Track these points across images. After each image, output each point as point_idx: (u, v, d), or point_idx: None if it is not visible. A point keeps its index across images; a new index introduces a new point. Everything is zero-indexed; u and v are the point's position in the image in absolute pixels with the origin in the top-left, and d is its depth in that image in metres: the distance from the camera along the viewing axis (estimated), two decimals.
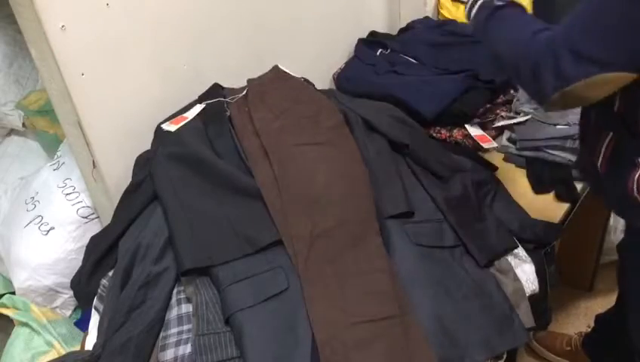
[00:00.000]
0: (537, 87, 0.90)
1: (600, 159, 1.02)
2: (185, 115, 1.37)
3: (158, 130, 1.35)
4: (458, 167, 1.33)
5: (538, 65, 0.88)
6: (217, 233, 1.12)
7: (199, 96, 1.44)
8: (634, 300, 1.21)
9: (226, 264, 1.08)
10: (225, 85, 1.48)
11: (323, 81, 1.75)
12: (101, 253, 1.22)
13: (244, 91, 1.40)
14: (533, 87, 0.91)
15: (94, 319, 1.16)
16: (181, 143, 1.26)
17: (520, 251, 1.19)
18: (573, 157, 1.36)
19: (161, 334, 1.05)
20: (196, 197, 1.18)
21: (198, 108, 1.38)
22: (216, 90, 1.46)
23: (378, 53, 1.76)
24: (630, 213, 1.04)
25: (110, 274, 1.18)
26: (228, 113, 1.36)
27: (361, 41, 1.84)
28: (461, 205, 1.22)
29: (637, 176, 0.95)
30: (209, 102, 1.40)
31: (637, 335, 1.23)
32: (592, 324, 1.61)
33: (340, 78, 1.76)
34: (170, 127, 1.32)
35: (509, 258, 1.18)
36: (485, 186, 1.32)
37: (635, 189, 0.95)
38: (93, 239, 1.29)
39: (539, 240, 1.24)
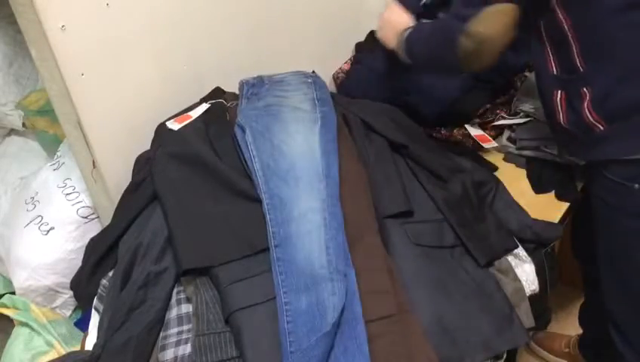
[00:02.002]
0: (450, 43, 1.10)
1: (561, 115, 1.11)
2: (189, 113, 1.37)
3: (160, 129, 1.35)
4: (458, 167, 1.34)
5: (448, 26, 1.13)
6: (217, 234, 1.12)
7: (201, 100, 1.44)
8: (609, 259, 1.21)
9: (225, 264, 1.08)
10: (225, 86, 1.48)
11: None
12: (101, 254, 1.22)
13: None
14: (450, 46, 1.10)
15: (94, 319, 1.16)
16: (182, 143, 1.26)
17: (520, 251, 1.19)
18: (574, 159, 1.36)
19: (161, 334, 1.05)
20: (196, 198, 1.17)
21: (204, 107, 1.39)
22: (217, 94, 1.46)
23: (378, 54, 1.75)
24: (597, 148, 1.09)
25: (110, 274, 1.18)
26: (228, 118, 1.36)
27: (359, 44, 1.84)
28: (461, 205, 1.22)
29: (586, 103, 1.05)
30: (213, 101, 1.40)
31: (609, 297, 1.23)
32: None
33: (344, 85, 1.76)
34: (174, 125, 1.33)
35: (509, 258, 1.18)
36: (485, 186, 1.32)
37: (588, 115, 1.05)
38: (93, 240, 1.29)
39: (539, 240, 1.24)
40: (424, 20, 1.28)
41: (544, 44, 1.11)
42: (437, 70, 1.41)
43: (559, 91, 1.10)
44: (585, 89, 1.05)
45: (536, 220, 1.27)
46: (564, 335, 1.74)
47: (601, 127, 1.06)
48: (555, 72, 1.10)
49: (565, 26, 1.05)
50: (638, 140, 1.04)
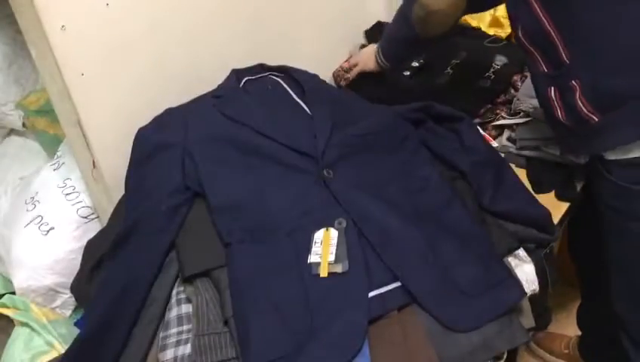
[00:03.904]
0: (406, 16, 1.32)
1: (558, 110, 1.12)
2: None
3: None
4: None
5: (403, 6, 1.36)
6: (216, 237, 1.12)
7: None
8: (620, 265, 1.20)
9: (225, 267, 1.08)
10: None
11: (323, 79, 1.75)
12: (99, 257, 1.21)
13: None
14: (406, 19, 1.32)
15: None
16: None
17: (520, 251, 1.19)
18: (573, 157, 1.36)
19: (161, 334, 1.05)
20: (196, 202, 1.18)
21: None
22: None
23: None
24: (596, 140, 1.08)
25: None
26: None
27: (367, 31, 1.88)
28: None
29: (578, 96, 1.05)
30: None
31: (620, 305, 1.22)
32: None
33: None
34: None
35: (509, 258, 1.18)
36: None
37: (582, 107, 1.06)
38: (90, 243, 1.28)
39: (539, 240, 1.23)
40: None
41: (529, 48, 1.12)
42: (406, 51, 1.52)
43: (552, 88, 1.11)
44: (574, 82, 1.05)
45: None
46: (564, 335, 1.74)
47: (596, 119, 1.05)
48: (545, 70, 1.11)
49: (546, 24, 1.05)
50: (632, 127, 1.03)
